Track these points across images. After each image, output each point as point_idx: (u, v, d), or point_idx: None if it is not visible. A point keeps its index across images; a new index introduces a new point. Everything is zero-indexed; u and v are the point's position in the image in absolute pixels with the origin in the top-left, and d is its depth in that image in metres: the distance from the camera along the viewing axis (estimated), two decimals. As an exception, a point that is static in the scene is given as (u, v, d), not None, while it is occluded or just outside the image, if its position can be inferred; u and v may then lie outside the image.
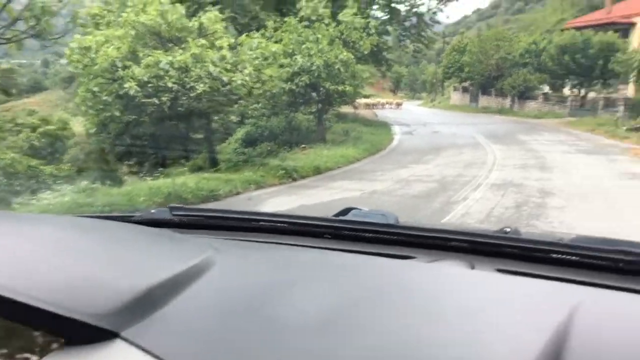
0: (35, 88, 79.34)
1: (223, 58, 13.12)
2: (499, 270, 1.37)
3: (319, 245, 1.57)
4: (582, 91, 39.17)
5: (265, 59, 14.86)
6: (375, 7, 31.29)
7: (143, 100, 12.31)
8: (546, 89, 44.04)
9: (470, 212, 9.49)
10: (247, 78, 13.21)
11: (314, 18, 20.73)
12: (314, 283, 1.18)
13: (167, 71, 12.38)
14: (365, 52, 21.62)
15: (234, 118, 21.42)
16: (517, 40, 47.40)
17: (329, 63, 19.50)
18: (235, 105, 16.44)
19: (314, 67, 19.19)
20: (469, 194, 11.30)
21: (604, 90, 36.95)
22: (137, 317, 0.94)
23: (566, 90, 41.63)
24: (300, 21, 20.76)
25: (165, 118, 13.61)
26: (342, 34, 20.97)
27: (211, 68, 12.56)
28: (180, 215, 1.79)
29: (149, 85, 12.36)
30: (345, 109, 40.70)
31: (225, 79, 12.83)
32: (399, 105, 53.62)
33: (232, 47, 13.97)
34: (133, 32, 13.10)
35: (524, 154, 18.42)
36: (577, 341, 0.92)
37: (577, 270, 1.34)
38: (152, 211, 1.87)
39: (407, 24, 32.18)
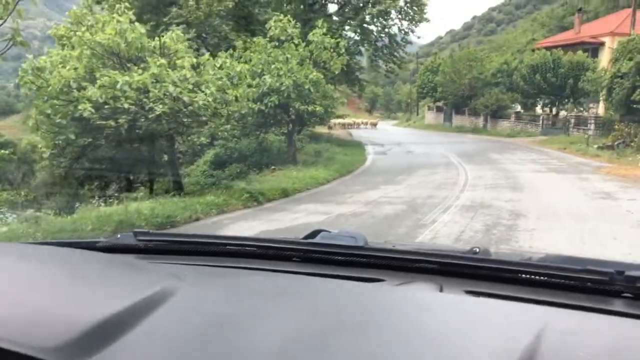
0: (8, 111, 77.85)
1: (184, 78, 12.59)
2: (468, 292, 1.37)
3: (287, 269, 1.54)
4: (554, 110, 39.34)
5: (230, 79, 14.35)
6: (347, 27, 31.08)
7: (98, 123, 11.68)
8: (518, 108, 44.22)
9: (438, 237, 9.02)
10: (209, 99, 12.66)
11: (283, 38, 20.34)
12: (279, 312, 1.14)
13: (125, 92, 11.81)
14: (336, 72, 21.25)
15: (203, 139, 20.90)
16: (489, 60, 47.68)
17: (298, 83, 19.09)
18: (205, 127, 15.91)
19: (283, 87, 18.75)
20: (438, 216, 10.85)
21: (574, 109, 37.11)
22: (91, 351, 0.90)
23: (538, 109, 41.81)
24: (270, 41, 20.37)
25: (124, 141, 12.99)
26: (312, 54, 20.62)
27: (171, 88, 12.00)
28: (145, 241, 1.76)
29: (106, 106, 11.76)
30: (320, 129, 40.46)
31: (186, 99, 12.28)
32: (374, 125, 53.54)
33: (194, 67, 13.46)
34: (89, 52, 12.51)
35: (495, 174, 18.11)
36: None
37: (545, 290, 1.35)
38: (118, 236, 1.83)
39: (379, 44, 31.98)
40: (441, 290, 1.40)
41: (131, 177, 17.49)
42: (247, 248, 1.72)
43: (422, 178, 17.85)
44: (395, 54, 32.52)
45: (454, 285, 1.42)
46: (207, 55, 14.18)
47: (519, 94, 40.53)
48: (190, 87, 12.84)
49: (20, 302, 1.05)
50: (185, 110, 12.74)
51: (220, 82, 13.50)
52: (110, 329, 0.96)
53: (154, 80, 12.27)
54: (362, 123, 54.68)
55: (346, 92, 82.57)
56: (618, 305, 1.29)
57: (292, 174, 17.66)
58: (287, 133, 21.51)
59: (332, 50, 20.68)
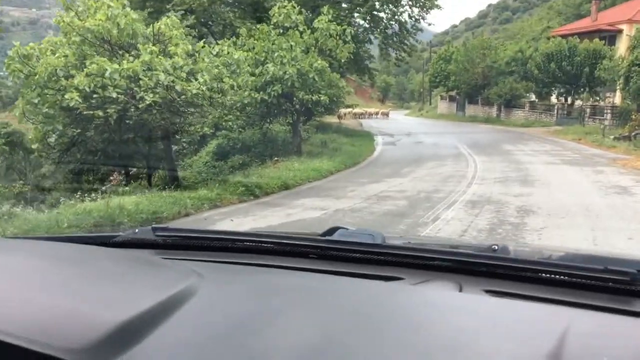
0: (15, 100, 77.88)
1: (178, 66, 11.94)
2: (487, 291, 1.35)
3: (305, 266, 1.53)
4: (569, 99, 38.24)
5: (227, 67, 13.67)
6: (356, 14, 30.15)
7: (86, 113, 11.08)
8: (533, 97, 43.12)
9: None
10: (203, 87, 12.01)
11: (287, 25, 19.61)
12: (299, 312, 1.12)
13: (114, 80, 11.21)
14: (343, 61, 20.46)
15: (207, 130, 20.35)
16: (503, 48, 46.54)
17: (302, 72, 18.37)
18: (209, 117, 15.32)
19: (286, 76, 18.04)
20: (440, 213, 10.15)
21: (590, 98, 36.02)
22: (115, 352, 0.89)
23: (553, 99, 40.73)
24: (275, 28, 19.67)
25: (114, 132, 12.39)
26: (317, 41, 19.86)
27: (162, 77, 11.37)
28: (163, 237, 1.74)
29: (94, 96, 11.17)
30: (330, 119, 39.83)
31: (179, 88, 11.64)
32: (385, 114, 52.59)
33: (190, 55, 12.82)
34: (78, 39, 11.91)
35: (506, 166, 17.33)
36: None
37: (566, 290, 1.33)
38: (136, 231, 1.81)
39: (389, 32, 31.00)
40: (460, 289, 1.37)
41: (130, 170, 16.94)
42: (265, 245, 1.70)
43: (429, 170, 17.12)
44: (406, 41, 31.51)
45: (473, 284, 1.40)
46: (201, 42, 13.49)
47: (534, 82, 39.44)
48: (184, 75, 12.21)
49: (40, 301, 1.03)
50: (178, 99, 12.12)
51: (216, 71, 12.84)
52: (133, 330, 0.94)
53: (145, 68, 11.65)
54: (374, 113, 53.77)
55: (358, 82, 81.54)
56: (639, 305, 1.24)
57: (295, 166, 17.00)
58: (292, 123, 20.81)
59: (338, 37, 19.90)
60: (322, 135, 26.20)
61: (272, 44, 18.72)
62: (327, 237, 1.70)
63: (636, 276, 1.27)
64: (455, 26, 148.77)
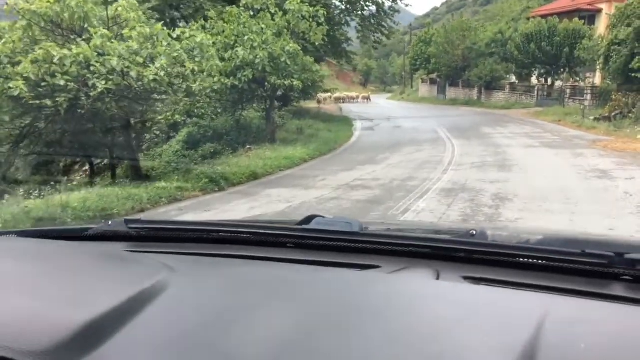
0: None
1: (133, 51, 11.15)
2: (466, 278, 1.33)
3: (281, 256, 1.50)
4: (549, 80, 37.74)
5: (189, 51, 12.88)
6: (332, -5, 29.22)
7: (32, 102, 10.27)
8: (513, 78, 42.59)
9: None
10: (161, 72, 11.25)
11: (257, 7, 18.79)
12: (273, 304, 1.10)
13: (65, 67, 10.42)
14: (317, 43, 19.64)
15: (178, 117, 19.58)
16: (483, 30, 45.92)
17: (274, 56, 17.59)
18: (180, 104, 14.56)
19: (257, 61, 17.26)
20: (412, 203, 9.51)
21: (571, 79, 35.54)
22: (79, 354, 0.86)
23: (534, 80, 40.22)
24: (246, 10, 18.84)
25: (68, 121, 11.57)
26: (290, 24, 19.04)
27: (115, 62, 10.58)
28: (136, 229, 1.68)
29: (43, 84, 10.37)
30: (310, 104, 39.04)
31: (134, 74, 10.86)
32: (366, 99, 51.74)
33: (148, 39, 12.00)
34: (24, 23, 11.06)
35: (484, 150, 16.75)
36: (546, 355, 0.90)
37: (544, 274, 1.31)
38: (109, 223, 1.73)
39: (366, 13, 30.10)
40: (438, 276, 1.34)
41: (95, 162, 16.13)
42: (240, 235, 1.66)
43: (405, 156, 16.49)
44: (384, 24, 30.65)
45: (450, 270, 1.37)
46: (159, 24, 12.65)
47: (514, 64, 38.90)
48: (142, 60, 11.41)
49: (3, 302, 1.01)
50: (135, 86, 11.33)
51: (176, 55, 12.04)
52: (99, 330, 0.91)
53: (98, 54, 10.84)
54: (355, 97, 52.94)
55: (338, 66, 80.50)
56: (618, 289, 1.23)
57: (267, 154, 16.30)
58: (266, 109, 20.02)
59: (311, 19, 19.10)
60: (299, 121, 25.42)
61: (243, 27, 17.91)
62: (304, 226, 1.64)
63: (614, 259, 1.26)
64: (436, 9, 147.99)
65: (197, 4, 23.61)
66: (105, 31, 11.03)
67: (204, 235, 1.69)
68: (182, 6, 25.78)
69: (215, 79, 17.17)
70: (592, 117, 24.61)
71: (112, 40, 11.06)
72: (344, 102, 50.46)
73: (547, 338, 0.93)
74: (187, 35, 13.17)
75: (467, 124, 26.73)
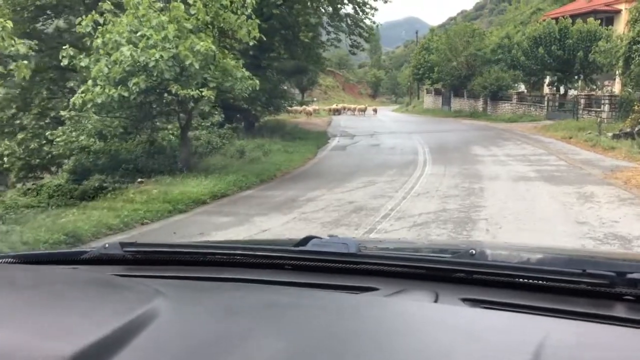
0: None
1: None
2: (464, 300, 1.27)
3: (278, 278, 1.45)
4: (562, 89, 32.27)
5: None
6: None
7: None
8: (522, 87, 37.20)
9: None
10: None
11: (168, -5, 13.97)
12: (268, 330, 1.04)
13: None
14: (252, 44, 14.58)
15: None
16: (489, 34, 40.68)
17: (181, 57, 12.75)
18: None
19: (151, 64, 12.46)
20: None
21: (586, 87, 30.09)
22: None
23: (546, 89, 34.83)
24: (156, 1, 14.13)
25: None
26: (218, 16, 14.12)
27: None
28: (131, 252, 1.64)
29: None
30: (296, 118, 34.25)
31: None
32: (362, 111, 46.49)
33: None
34: None
35: (456, 185, 11.65)
36: None
37: (544, 295, 1.27)
38: (106, 246, 1.68)
39: (342, 12, 24.83)
40: (437, 299, 1.28)
41: None
42: (237, 258, 1.59)
43: (345, 194, 11.50)
44: (362, 24, 25.34)
45: (449, 292, 1.31)
46: None
47: (520, 71, 33.53)
48: None
49: None
50: None
51: None
52: None
53: None
54: (353, 109, 47.73)
55: (345, 77, 75.31)
56: (620, 310, 1.18)
57: (154, 192, 11.45)
58: (181, 128, 15.03)
59: (237, 11, 14.19)
60: (255, 140, 20.56)
61: (139, 21, 13.14)
62: (301, 248, 1.59)
63: (615, 279, 1.21)
64: (452, 18, 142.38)
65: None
66: None
67: (200, 258, 1.64)
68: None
69: (97, 90, 12.56)
70: (610, 133, 19.28)
71: None
72: (340, 114, 45.55)
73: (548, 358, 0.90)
74: None
75: (458, 142, 21.59)
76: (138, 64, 12.66)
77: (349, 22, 24.95)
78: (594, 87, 29.63)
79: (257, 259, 1.57)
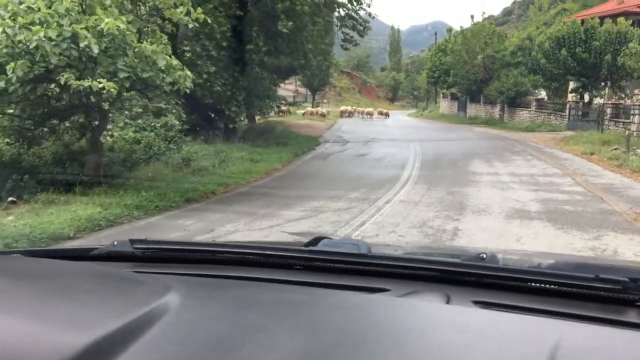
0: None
1: None
2: (476, 302, 1.23)
3: (289, 278, 1.41)
4: (586, 96, 28.31)
5: None
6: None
7: None
8: (543, 94, 33.32)
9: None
10: None
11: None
12: (280, 328, 1.01)
13: None
14: (177, 22, 11.33)
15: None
16: (509, 35, 36.81)
17: (75, 39, 9.52)
18: None
19: (32, 45, 9.26)
20: None
21: (614, 95, 26.15)
22: None
23: (570, 96, 30.92)
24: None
25: None
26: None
27: None
28: (141, 249, 1.59)
29: None
30: (296, 119, 31.07)
31: None
32: (369, 114, 42.89)
33: None
34: None
35: (429, 218, 8.19)
36: None
37: (556, 299, 1.22)
38: (115, 243, 1.64)
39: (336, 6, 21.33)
40: (448, 300, 1.24)
41: None
42: (247, 257, 1.54)
43: (262, 232, 8.13)
44: (355, 16, 21.82)
45: (461, 294, 1.27)
46: None
47: (540, 75, 29.65)
48: None
49: (5, 324, 0.94)
50: None
51: None
52: (103, 352, 0.86)
53: None
54: (366, 113, 44.16)
55: (362, 79, 71.36)
56: (632, 315, 1.15)
57: (8, 219, 8.23)
58: (92, 130, 11.74)
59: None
60: (210, 147, 17.09)
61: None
62: (311, 248, 1.54)
63: (628, 284, 1.18)
64: (478, 23, 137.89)
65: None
66: None
67: (210, 256, 1.60)
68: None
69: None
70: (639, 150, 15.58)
71: None
72: (350, 117, 42.16)
73: None
74: None
75: (458, 154, 18.04)
76: (20, 44, 9.51)
77: (342, 13, 21.47)
78: (623, 95, 25.67)
79: (268, 258, 1.52)
